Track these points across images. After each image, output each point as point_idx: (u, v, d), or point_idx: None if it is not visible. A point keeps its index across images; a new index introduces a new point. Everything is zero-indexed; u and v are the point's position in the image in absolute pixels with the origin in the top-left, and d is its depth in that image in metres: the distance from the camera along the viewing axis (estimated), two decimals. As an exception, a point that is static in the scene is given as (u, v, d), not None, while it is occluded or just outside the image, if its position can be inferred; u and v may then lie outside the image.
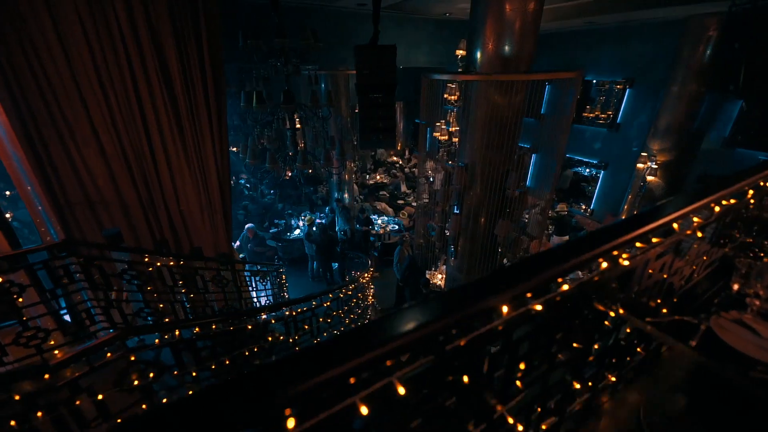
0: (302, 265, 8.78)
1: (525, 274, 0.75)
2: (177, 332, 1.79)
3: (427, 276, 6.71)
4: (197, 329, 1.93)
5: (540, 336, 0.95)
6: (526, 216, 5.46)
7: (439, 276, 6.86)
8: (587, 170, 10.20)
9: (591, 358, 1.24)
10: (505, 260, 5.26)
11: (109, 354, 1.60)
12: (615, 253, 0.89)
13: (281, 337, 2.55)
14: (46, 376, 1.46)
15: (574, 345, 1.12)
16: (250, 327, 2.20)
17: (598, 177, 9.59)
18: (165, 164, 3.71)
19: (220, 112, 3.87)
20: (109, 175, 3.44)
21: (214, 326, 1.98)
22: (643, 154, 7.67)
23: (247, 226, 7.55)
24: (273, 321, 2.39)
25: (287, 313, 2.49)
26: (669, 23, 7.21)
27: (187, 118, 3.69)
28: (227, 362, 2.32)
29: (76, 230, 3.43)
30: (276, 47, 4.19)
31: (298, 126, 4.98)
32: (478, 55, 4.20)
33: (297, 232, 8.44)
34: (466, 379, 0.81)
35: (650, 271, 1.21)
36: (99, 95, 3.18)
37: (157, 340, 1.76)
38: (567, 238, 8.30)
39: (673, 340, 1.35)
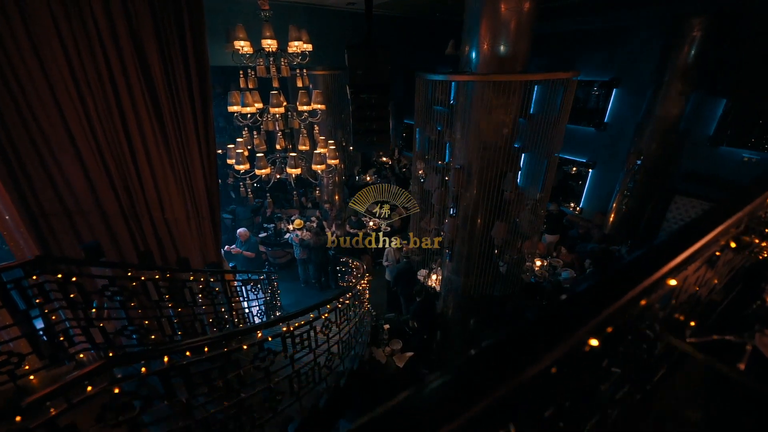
0: (293, 270, 8.57)
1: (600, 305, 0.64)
2: (165, 359, 1.63)
3: (420, 278, 6.60)
4: (188, 353, 1.77)
5: (589, 367, 0.85)
6: (518, 217, 5.41)
7: (434, 277, 6.76)
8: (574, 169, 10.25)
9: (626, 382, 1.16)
10: (501, 263, 5.21)
11: (89, 388, 1.43)
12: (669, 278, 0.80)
13: (278, 354, 2.40)
14: (18, 418, 1.29)
15: (613, 370, 1.03)
16: (246, 347, 2.05)
17: (586, 175, 9.67)
18: (148, 170, 3.50)
19: (206, 113, 3.67)
20: (88, 183, 3.21)
21: (206, 349, 1.82)
22: (629, 152, 7.76)
23: (239, 230, 7.33)
24: (270, 338, 2.24)
25: (285, 329, 2.35)
26: (655, 23, 7.30)
27: (171, 120, 3.49)
28: (220, 383, 2.16)
29: (53, 243, 3.19)
30: (263, 47, 4.03)
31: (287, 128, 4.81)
32: (473, 55, 4.12)
33: (287, 236, 8.25)
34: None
35: (686, 287, 1.13)
36: (74, 97, 2.95)
37: (143, 369, 1.59)
38: (558, 237, 8.34)
39: (704, 356, 1.28)
